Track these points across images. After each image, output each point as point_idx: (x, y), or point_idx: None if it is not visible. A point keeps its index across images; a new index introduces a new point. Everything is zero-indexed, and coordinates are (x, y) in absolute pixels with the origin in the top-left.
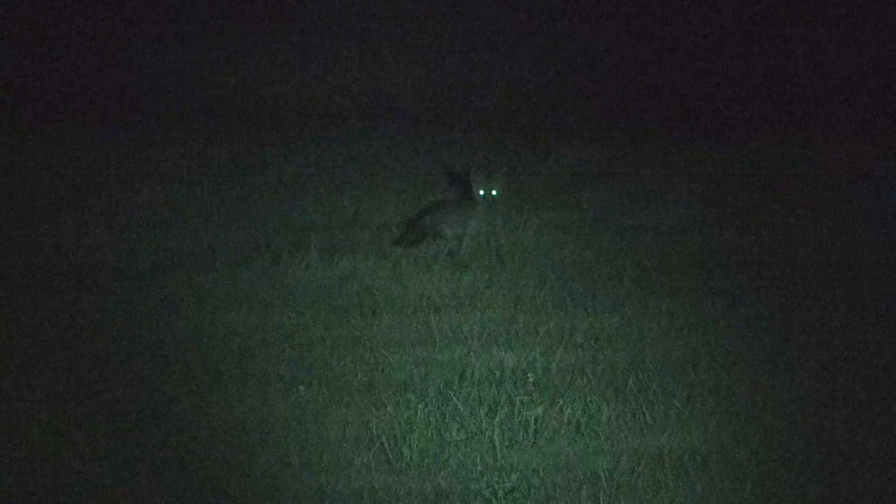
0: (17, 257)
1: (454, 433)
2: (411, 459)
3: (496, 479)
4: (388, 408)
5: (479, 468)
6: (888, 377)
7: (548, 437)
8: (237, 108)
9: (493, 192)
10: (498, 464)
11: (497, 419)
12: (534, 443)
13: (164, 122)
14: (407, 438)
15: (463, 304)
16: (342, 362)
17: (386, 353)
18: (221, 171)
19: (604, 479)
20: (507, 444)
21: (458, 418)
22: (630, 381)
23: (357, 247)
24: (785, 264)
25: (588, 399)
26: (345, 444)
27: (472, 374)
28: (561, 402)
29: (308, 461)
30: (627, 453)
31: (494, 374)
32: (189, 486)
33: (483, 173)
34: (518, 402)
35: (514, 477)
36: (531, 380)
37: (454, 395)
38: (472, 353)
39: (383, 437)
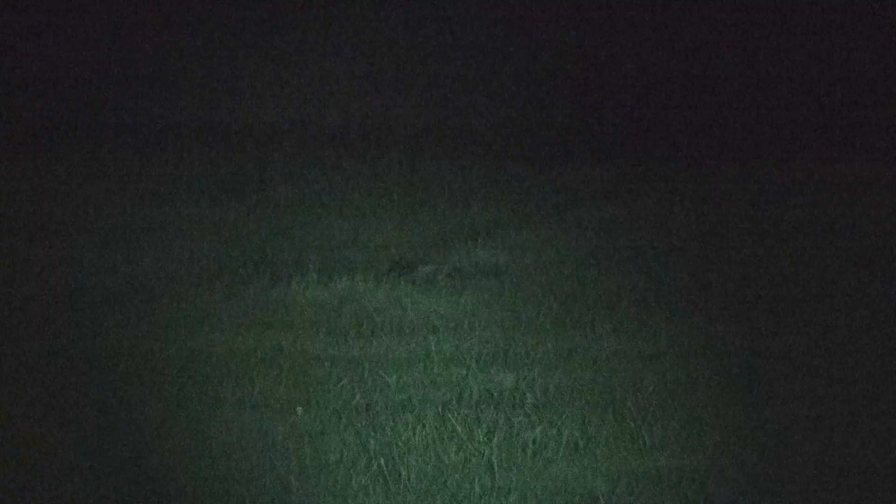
0: (11, 279)
1: (452, 455)
2: (409, 481)
3: (494, 500)
4: (387, 429)
5: (477, 490)
6: (890, 398)
7: (546, 458)
8: (236, 128)
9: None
10: (496, 485)
11: (495, 440)
12: (532, 464)
13: (162, 141)
14: (405, 460)
15: (461, 325)
16: (340, 383)
17: (384, 374)
18: (220, 191)
19: (602, 501)
20: (505, 465)
21: (456, 440)
22: (629, 402)
23: (355, 268)
24: (786, 287)
25: (587, 420)
26: (343, 466)
27: (471, 395)
28: (559, 423)
29: (306, 483)
30: (626, 475)
31: (493, 395)
32: None
33: None
34: (516, 424)
35: (512, 498)
36: (529, 401)
37: (452, 416)
38: (470, 374)
39: (381, 458)
